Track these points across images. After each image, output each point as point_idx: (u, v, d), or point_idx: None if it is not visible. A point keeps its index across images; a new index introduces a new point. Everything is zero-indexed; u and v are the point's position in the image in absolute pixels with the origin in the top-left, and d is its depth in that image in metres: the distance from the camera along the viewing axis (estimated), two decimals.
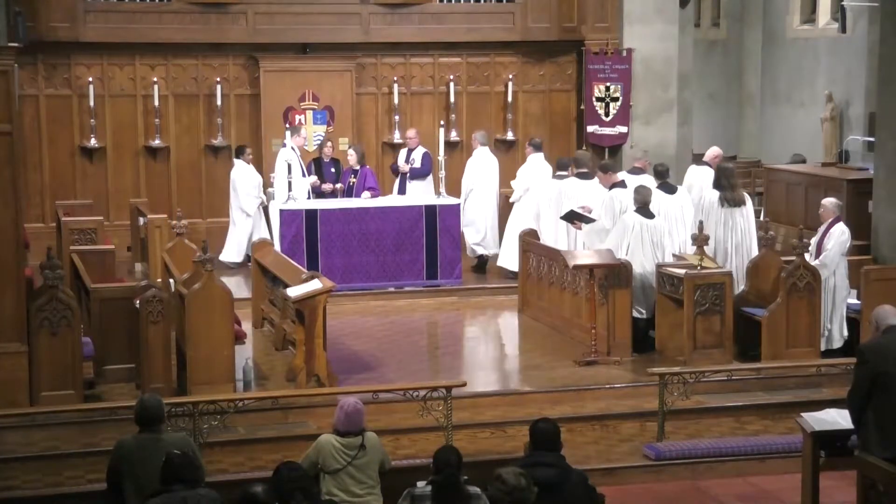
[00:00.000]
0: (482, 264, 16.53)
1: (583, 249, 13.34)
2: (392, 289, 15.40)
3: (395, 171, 17.15)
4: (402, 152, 17.24)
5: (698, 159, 16.37)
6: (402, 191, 16.92)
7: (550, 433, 7.16)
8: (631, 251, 12.42)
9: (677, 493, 9.66)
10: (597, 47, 18.16)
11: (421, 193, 16.68)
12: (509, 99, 18.61)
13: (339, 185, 16.46)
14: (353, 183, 16.40)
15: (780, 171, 16.01)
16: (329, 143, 16.98)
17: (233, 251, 16.78)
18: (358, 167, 16.49)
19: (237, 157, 16.81)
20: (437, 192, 16.10)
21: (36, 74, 17.39)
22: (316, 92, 17.89)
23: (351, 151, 16.67)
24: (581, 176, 14.49)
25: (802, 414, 8.72)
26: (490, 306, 15.08)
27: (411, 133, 17.30)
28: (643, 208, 12.59)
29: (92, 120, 17.42)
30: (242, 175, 16.67)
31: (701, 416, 10.95)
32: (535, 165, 16.08)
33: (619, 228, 12.70)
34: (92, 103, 17.32)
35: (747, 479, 9.84)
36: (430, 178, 16.86)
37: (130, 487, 7.29)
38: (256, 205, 16.64)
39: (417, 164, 16.95)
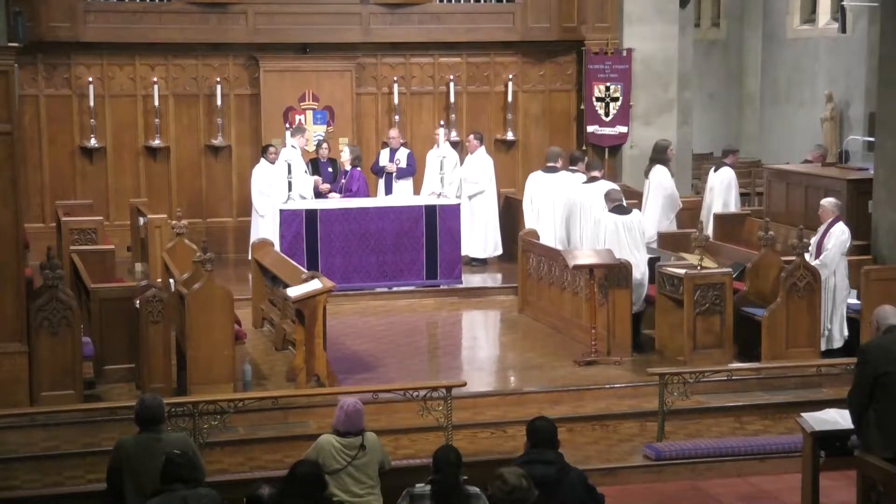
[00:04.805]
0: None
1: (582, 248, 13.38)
2: (392, 289, 15.41)
3: (379, 171, 17.08)
4: (384, 152, 17.20)
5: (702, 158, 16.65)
6: (388, 191, 16.91)
7: (548, 431, 7.15)
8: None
9: (677, 493, 9.66)
10: (597, 47, 18.17)
11: (407, 193, 16.73)
12: (509, 99, 18.60)
13: (325, 186, 16.37)
14: (343, 184, 16.40)
15: (781, 171, 15.99)
16: (325, 144, 16.92)
17: None
18: (349, 168, 16.47)
19: (262, 155, 16.74)
20: (438, 193, 16.16)
21: (36, 74, 17.38)
22: (316, 92, 17.87)
23: (345, 151, 16.61)
24: (547, 170, 14.51)
25: (802, 414, 8.72)
26: (490, 306, 15.08)
27: (394, 133, 17.29)
28: (617, 207, 12.63)
29: (92, 120, 17.42)
30: (258, 173, 16.57)
31: (701, 416, 10.95)
32: (483, 158, 16.76)
33: (593, 229, 12.84)
34: (92, 103, 17.31)
35: (747, 479, 9.84)
36: (411, 178, 17.07)
37: (130, 487, 7.30)
38: (267, 204, 16.24)
39: (403, 164, 16.95)
